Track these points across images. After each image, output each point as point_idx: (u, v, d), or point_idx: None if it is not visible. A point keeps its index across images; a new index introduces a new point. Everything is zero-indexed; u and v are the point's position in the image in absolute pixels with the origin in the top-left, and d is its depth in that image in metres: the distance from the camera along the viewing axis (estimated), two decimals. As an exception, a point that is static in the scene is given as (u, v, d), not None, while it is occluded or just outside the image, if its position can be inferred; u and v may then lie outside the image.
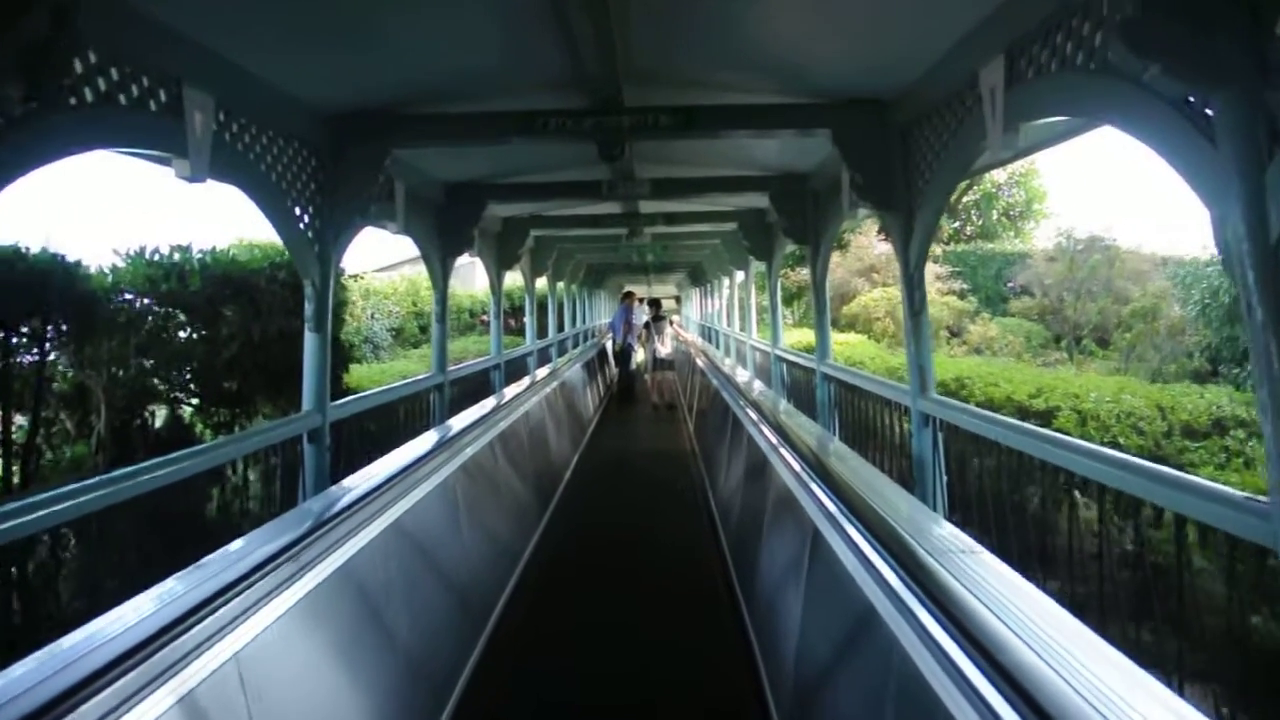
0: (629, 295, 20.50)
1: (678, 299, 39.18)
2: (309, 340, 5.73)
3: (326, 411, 5.78)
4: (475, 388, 11.05)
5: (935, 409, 5.40)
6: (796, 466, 4.63)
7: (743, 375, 10.86)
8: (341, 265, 9.79)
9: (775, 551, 4.78)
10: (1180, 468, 6.11)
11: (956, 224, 33.29)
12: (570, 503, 9.41)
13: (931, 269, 23.73)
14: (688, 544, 7.60)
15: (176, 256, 7.70)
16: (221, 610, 2.54)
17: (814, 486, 4.03)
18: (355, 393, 7.94)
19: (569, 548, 7.70)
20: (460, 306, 25.46)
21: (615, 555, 7.42)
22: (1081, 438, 6.81)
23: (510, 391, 9.62)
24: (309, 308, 5.70)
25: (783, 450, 5.20)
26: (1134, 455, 6.60)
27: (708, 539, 7.64)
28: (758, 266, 15.00)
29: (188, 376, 7.17)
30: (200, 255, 7.37)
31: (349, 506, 3.74)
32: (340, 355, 9.32)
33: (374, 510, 3.99)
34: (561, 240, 15.40)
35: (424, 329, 22.49)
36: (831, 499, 3.64)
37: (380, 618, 3.76)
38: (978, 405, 8.30)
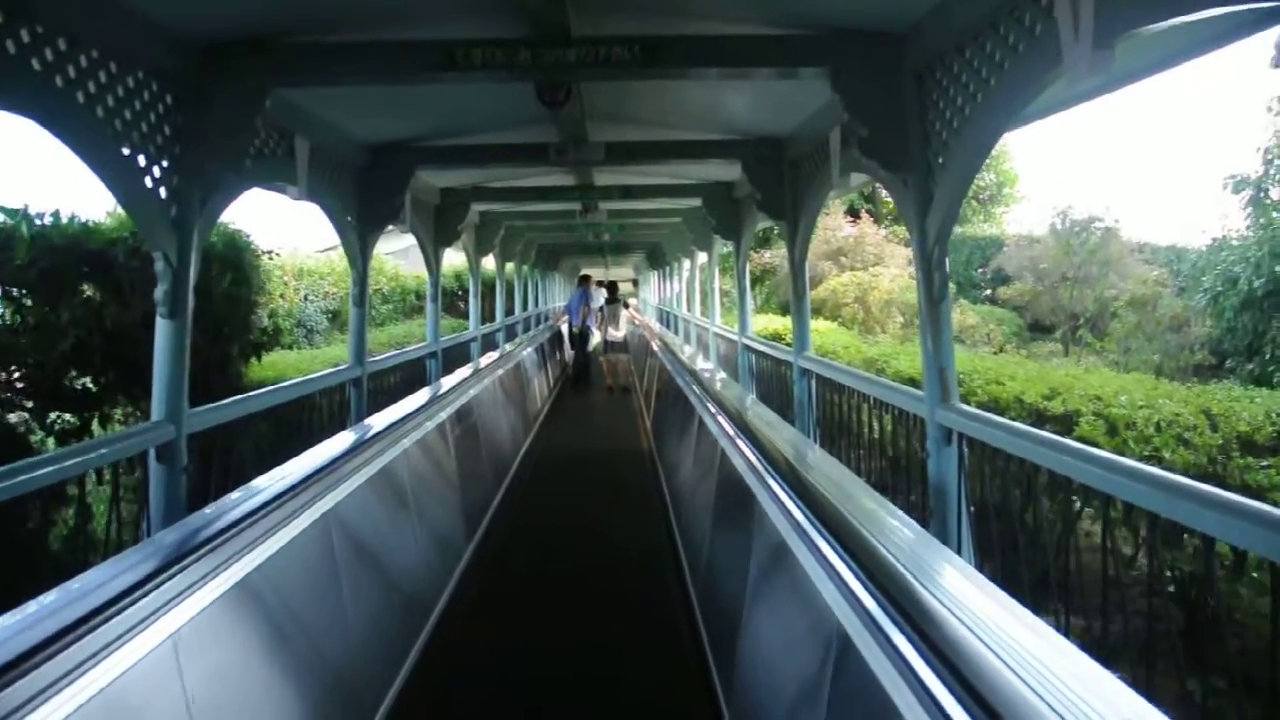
0: (586, 279, 20.04)
1: (635, 282, 38.22)
2: (161, 330, 4.45)
3: (183, 421, 4.50)
4: (414, 376, 9.98)
5: (961, 422, 4.24)
6: (777, 490, 3.67)
7: (704, 365, 9.72)
8: (249, 237, 8.75)
9: (752, 598, 3.72)
10: (1254, 495, 5.08)
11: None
12: (511, 510, 8.23)
13: (902, 252, 22.75)
14: (643, 564, 6.60)
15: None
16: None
17: (794, 509, 3.24)
18: (265, 385, 6.76)
19: (511, 561, 6.72)
20: (405, 288, 24.05)
21: (562, 584, 6.30)
22: (1115, 451, 5.76)
23: (448, 382, 8.50)
24: (160, 289, 4.41)
25: (751, 456, 4.29)
26: (1182, 475, 5.52)
27: (665, 557, 6.57)
28: (722, 247, 14.01)
29: (14, 373, 5.82)
30: (40, 221, 5.95)
31: (204, 544, 2.77)
32: (248, 342, 8.04)
33: (231, 553, 2.93)
34: (509, 217, 14.17)
35: (364, 312, 21.09)
36: (819, 531, 2.86)
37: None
38: (980, 407, 7.25)
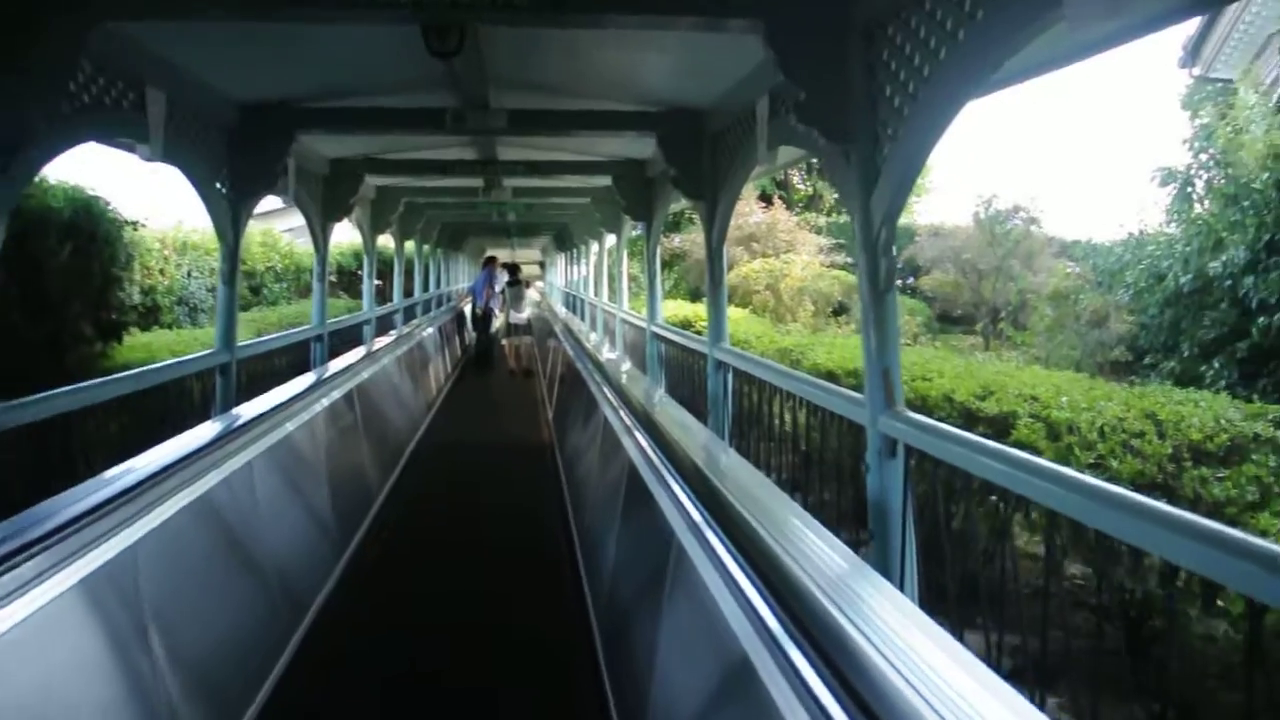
0: (491, 260, 19.83)
1: (542, 264, 37.48)
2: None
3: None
4: (301, 361, 9.24)
5: (909, 433, 3.64)
6: (679, 492, 3.45)
7: (610, 354, 9.11)
8: (108, 204, 7.85)
9: (653, 608, 3.31)
10: (1213, 510, 4.67)
11: (837, 194, 32.01)
12: (394, 518, 7.45)
13: (814, 240, 22.42)
14: (538, 581, 5.94)
15: None
16: None
17: (704, 528, 2.98)
18: (132, 368, 6.00)
19: (387, 582, 5.89)
20: (301, 266, 22.82)
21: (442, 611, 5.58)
22: (1058, 459, 5.31)
23: (333, 367, 7.79)
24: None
25: (658, 462, 3.99)
26: (1129, 487, 5.06)
27: (565, 571, 5.95)
28: (631, 230, 13.43)
29: None
30: None
31: None
32: (109, 321, 7.16)
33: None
34: (408, 192, 13.30)
35: (255, 290, 19.91)
36: (727, 546, 2.69)
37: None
38: (908, 406, 6.78)
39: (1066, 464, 5.24)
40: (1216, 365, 8.13)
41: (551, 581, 5.94)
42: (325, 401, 6.80)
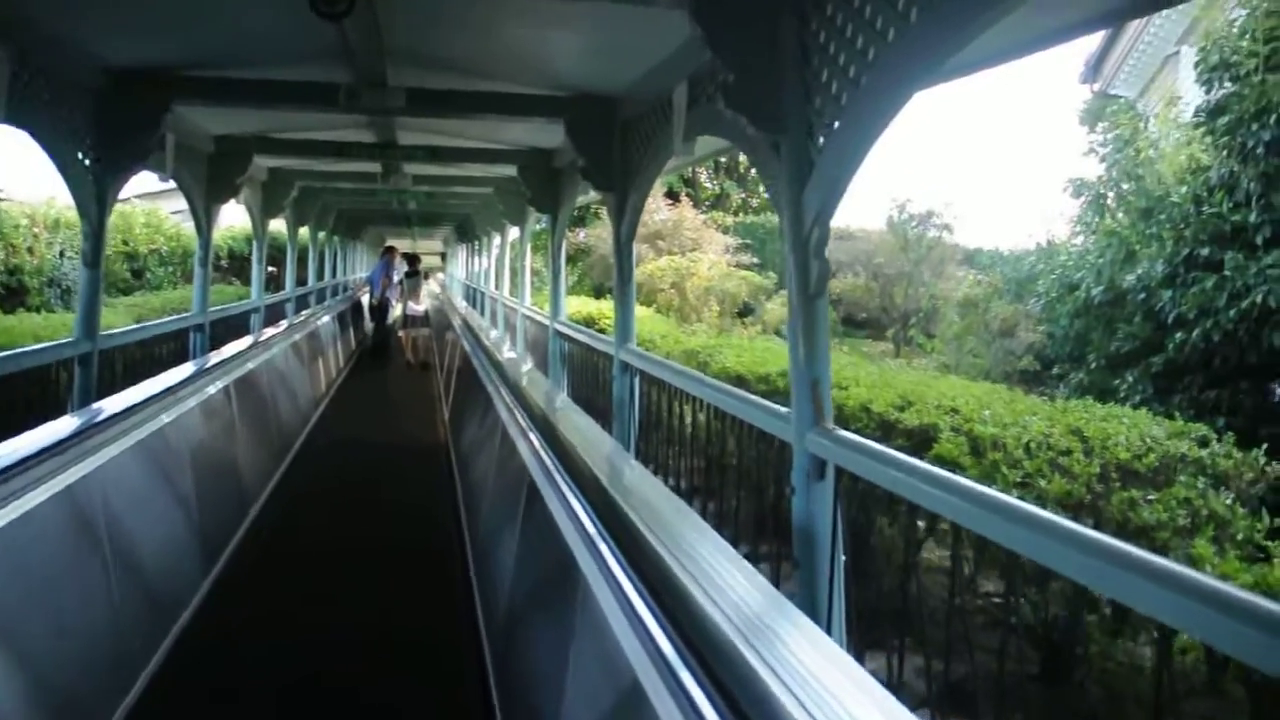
0: (390, 250, 19.34)
1: (444, 256, 36.69)
2: None
3: None
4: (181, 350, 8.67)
5: (840, 453, 3.28)
6: (578, 508, 3.15)
7: (510, 354, 8.67)
8: None
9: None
10: (1142, 534, 4.50)
11: (743, 194, 32.02)
12: (270, 536, 6.78)
13: (721, 239, 22.25)
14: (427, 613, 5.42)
15: None
16: None
17: (600, 544, 2.74)
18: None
19: (257, 620, 5.23)
20: (189, 249, 21.73)
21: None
22: (983, 477, 5.10)
23: (218, 356, 7.30)
24: None
25: (554, 473, 3.66)
26: (1058, 509, 4.90)
27: (459, 598, 5.51)
28: (536, 223, 13.04)
29: None
30: None
31: None
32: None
33: None
34: (303, 176, 12.62)
35: (137, 273, 18.88)
36: (628, 573, 2.44)
37: None
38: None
39: (991, 482, 5.02)
40: (1131, 379, 8.07)
41: (443, 589, 5.55)
42: (200, 395, 6.26)
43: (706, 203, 29.64)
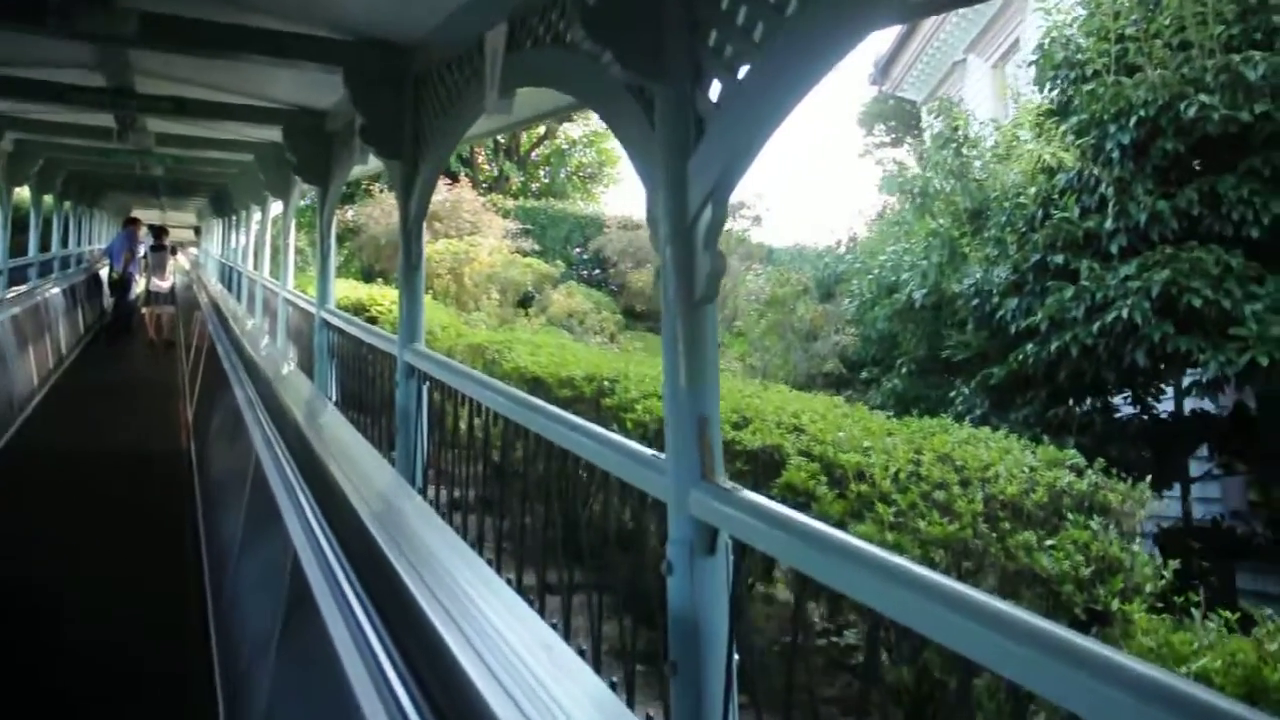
0: (133, 221, 18.13)
1: (198, 230, 33.64)
2: None
3: None
4: None
5: (742, 521, 2.33)
6: (342, 577, 2.34)
7: (267, 349, 7.32)
8: None
9: None
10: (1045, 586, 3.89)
11: (523, 177, 30.86)
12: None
13: (501, 223, 21.15)
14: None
15: None
16: None
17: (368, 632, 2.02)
18: None
19: None
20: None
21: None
22: (848, 514, 4.42)
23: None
24: None
25: (315, 526, 2.78)
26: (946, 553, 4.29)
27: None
28: (302, 198, 11.63)
29: None
30: None
31: None
32: None
33: None
34: (17, 125, 10.59)
35: None
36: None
37: None
38: (633, 430, 5.65)
39: (860, 519, 4.33)
40: (966, 392, 7.60)
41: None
42: None
43: (485, 184, 28.43)
